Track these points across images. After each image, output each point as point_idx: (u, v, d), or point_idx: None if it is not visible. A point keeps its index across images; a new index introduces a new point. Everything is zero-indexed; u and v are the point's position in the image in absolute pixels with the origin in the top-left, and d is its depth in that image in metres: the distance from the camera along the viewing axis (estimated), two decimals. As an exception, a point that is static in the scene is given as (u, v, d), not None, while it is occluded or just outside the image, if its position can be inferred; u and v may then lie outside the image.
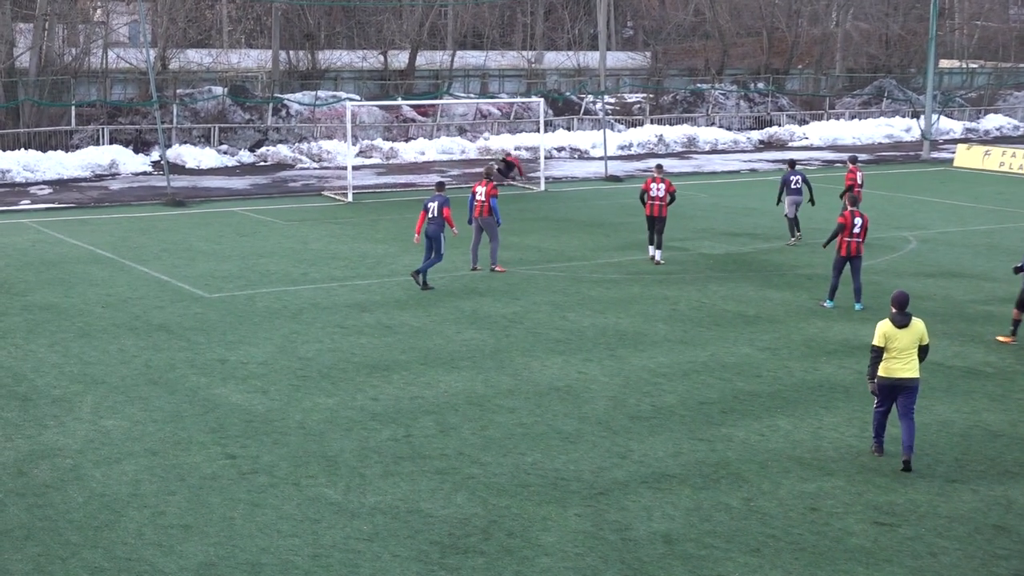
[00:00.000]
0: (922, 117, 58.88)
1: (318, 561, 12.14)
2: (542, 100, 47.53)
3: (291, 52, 62.51)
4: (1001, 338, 21.26)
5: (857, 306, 23.31)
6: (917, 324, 15.03)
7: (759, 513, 13.49)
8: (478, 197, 26.43)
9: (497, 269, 26.58)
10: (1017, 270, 21.18)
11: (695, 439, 15.90)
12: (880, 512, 13.59)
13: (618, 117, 60.54)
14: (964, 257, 29.57)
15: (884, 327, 14.97)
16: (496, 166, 37.69)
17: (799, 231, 31.01)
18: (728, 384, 18.45)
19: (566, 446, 15.55)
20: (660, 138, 56.97)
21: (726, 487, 14.24)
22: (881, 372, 14.99)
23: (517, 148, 51.85)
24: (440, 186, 26.12)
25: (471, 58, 70.68)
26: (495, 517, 13.23)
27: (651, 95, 66.12)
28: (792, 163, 32.23)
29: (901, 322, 14.92)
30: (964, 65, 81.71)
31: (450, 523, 13.07)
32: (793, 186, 30.61)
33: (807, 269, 27.56)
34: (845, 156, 37.14)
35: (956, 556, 12.49)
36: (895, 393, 15.00)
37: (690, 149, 56.61)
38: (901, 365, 14.90)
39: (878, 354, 14.95)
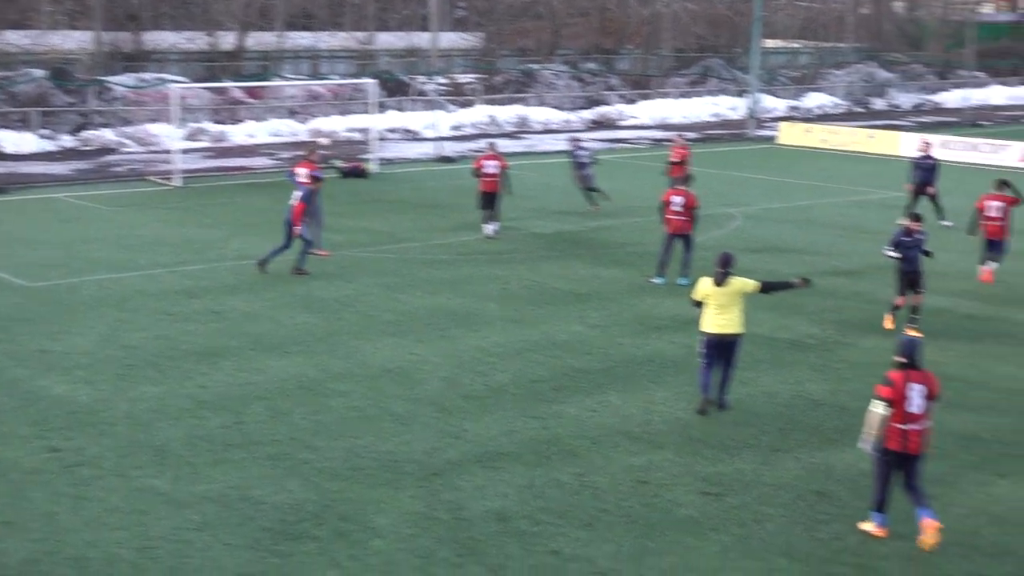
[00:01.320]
0: (747, 96, 60.20)
1: (146, 553, 11.91)
2: (374, 81, 47.25)
3: (115, 33, 60.92)
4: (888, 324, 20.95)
5: (682, 281, 23.70)
6: (735, 282, 15.92)
7: (591, 488, 13.67)
8: (301, 178, 25.88)
9: (320, 254, 26.02)
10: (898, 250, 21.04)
11: (527, 417, 16.03)
12: (708, 483, 13.89)
13: (450, 98, 60.52)
14: (787, 232, 30.35)
15: (703, 283, 15.99)
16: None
17: (599, 198, 32.87)
18: (560, 362, 18.64)
19: (399, 428, 15.54)
20: (492, 118, 57.15)
21: (558, 463, 14.40)
22: (705, 327, 15.94)
23: (348, 130, 51.50)
24: (314, 179, 25.82)
25: (301, 39, 69.80)
26: (328, 501, 13.16)
27: (483, 76, 66.25)
28: (576, 139, 34.05)
29: (720, 280, 15.84)
30: (787, 45, 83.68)
31: (282, 509, 12.95)
32: (580, 161, 32.65)
33: (637, 247, 27.97)
34: (673, 134, 37.71)
35: (780, 522, 12.84)
36: (717, 348, 15.93)
37: (522, 129, 56.91)
38: (723, 321, 15.86)
39: (695, 305, 16.13)
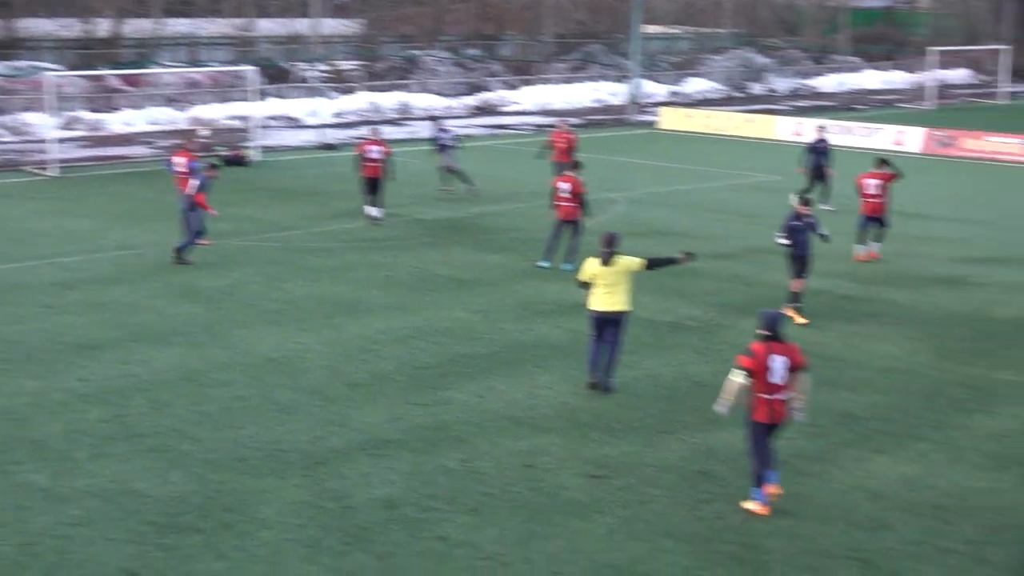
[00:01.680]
0: (629, 81, 60.67)
1: (26, 550, 11.68)
2: (254, 68, 46.71)
3: (-15, 20, 59.40)
4: (791, 314, 20.59)
5: (566, 266, 23.84)
6: (621, 261, 16.22)
7: (477, 473, 13.71)
8: (179, 167, 25.49)
9: (202, 243, 25.62)
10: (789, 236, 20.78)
11: (413, 404, 16.02)
12: (593, 465, 14.01)
13: (332, 85, 60.08)
14: (669, 216, 30.68)
15: (590, 264, 16.27)
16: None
17: (457, 182, 33.38)
18: (445, 348, 18.64)
19: (283, 417, 15.42)
20: (374, 105, 56.86)
21: (445, 449, 14.41)
22: (592, 305, 16.22)
23: (229, 117, 50.88)
24: (210, 167, 25.55)
25: (179, 26, 68.69)
26: (212, 493, 13.02)
27: (365, 62, 65.86)
28: (438, 122, 35.00)
29: (607, 259, 16.15)
30: (667, 30, 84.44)
31: (165, 502, 12.79)
32: (443, 143, 33.33)
33: (520, 233, 28.06)
34: (557, 120, 37.86)
35: (664, 503, 13.00)
36: (605, 325, 16.23)
37: (405, 116, 56.71)
38: (609, 299, 16.17)
39: (583, 287, 16.36)
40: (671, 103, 62.46)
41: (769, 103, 65.04)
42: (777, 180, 37.12)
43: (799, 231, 20.43)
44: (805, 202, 20.61)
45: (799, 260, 20.59)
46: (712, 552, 11.86)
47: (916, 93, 68.74)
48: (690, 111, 54.72)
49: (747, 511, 12.74)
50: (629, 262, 16.34)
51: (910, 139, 45.88)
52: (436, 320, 20.24)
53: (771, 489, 12.60)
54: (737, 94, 70.77)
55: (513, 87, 65.18)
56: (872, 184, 25.46)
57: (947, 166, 41.78)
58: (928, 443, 14.97)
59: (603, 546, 11.95)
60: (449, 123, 36.77)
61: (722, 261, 25.20)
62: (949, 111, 61.55)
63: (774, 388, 12.51)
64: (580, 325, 19.82)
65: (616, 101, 63.56)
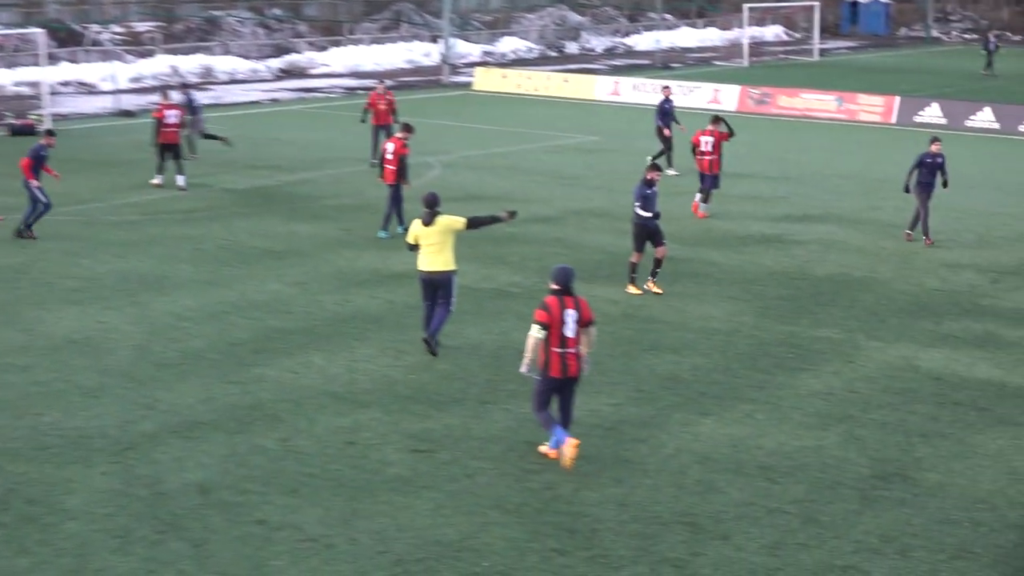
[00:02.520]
0: (441, 41, 60.56)
1: None
2: (42, 31, 45.18)
3: None
4: (652, 287, 20.51)
5: (381, 234, 23.75)
6: (443, 220, 16.57)
7: (296, 452, 13.56)
8: None
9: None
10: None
11: (227, 382, 15.75)
12: (417, 440, 13.98)
13: (128, 48, 58.53)
14: (486, 179, 30.75)
15: (414, 226, 16.63)
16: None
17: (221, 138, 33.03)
18: (259, 323, 18.38)
19: (88, 402, 15.00)
20: (175, 69, 55.60)
21: (261, 429, 14.21)
22: (419, 267, 16.65)
23: (16, 84, 49.23)
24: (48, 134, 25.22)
25: (-42, -14, 66.12)
26: (12, 485, 12.60)
27: (162, 24, 64.30)
28: (185, 85, 35.63)
29: (428, 220, 16.52)
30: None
31: (-39, 497, 12.33)
32: (194, 106, 32.85)
33: (333, 200, 27.81)
34: (370, 83, 37.58)
35: (491, 475, 13.05)
36: (433, 286, 16.67)
37: (207, 80, 55.60)
38: (433, 260, 16.55)
39: (411, 249, 16.73)
40: (485, 63, 62.56)
41: (585, 62, 65.65)
42: (596, 141, 37.55)
43: (651, 199, 19.89)
44: (655, 167, 20.11)
45: (648, 229, 20.02)
46: (542, 524, 11.95)
47: (731, 51, 70.25)
48: (506, 71, 54.91)
49: (545, 456, 13.38)
50: (450, 221, 16.63)
51: (726, 97, 46.85)
52: (249, 294, 19.92)
53: (570, 443, 13.01)
54: (552, 53, 71.26)
55: (322, 48, 64.46)
56: (704, 141, 26.19)
57: (763, 124, 42.78)
58: (753, 404, 15.33)
59: (430, 522, 11.94)
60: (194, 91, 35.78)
61: (543, 225, 25.37)
62: (764, 68, 63.11)
63: (567, 342, 13.04)
64: (398, 295, 19.78)
65: (429, 62, 63.41)
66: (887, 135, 40.63)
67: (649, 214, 19.94)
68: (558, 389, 13.25)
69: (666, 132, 31.85)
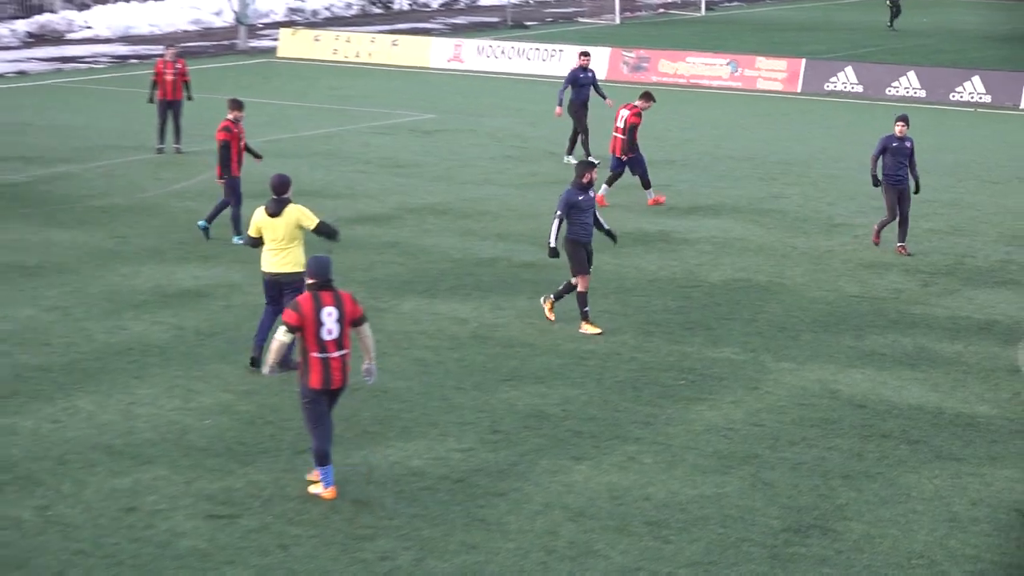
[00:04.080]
0: (235, -4, 60.18)
1: None
2: None
3: None
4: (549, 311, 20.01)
5: (200, 221, 24.35)
6: (291, 211, 16.68)
7: (60, 524, 13.32)
8: None
9: None
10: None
11: (-33, 437, 15.45)
12: (215, 503, 13.83)
13: None
14: (298, 170, 30.42)
15: (257, 216, 16.69)
16: None
17: None
18: (7, 359, 18.06)
19: None
20: None
21: (13, 496, 13.94)
22: (263, 267, 16.85)
23: None
24: None
25: None
26: None
27: None
28: None
29: (274, 210, 16.62)
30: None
31: None
32: None
33: (103, 199, 27.42)
34: (145, 50, 37.15)
35: (312, 545, 12.94)
36: (279, 289, 16.81)
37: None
38: (280, 258, 16.71)
39: (253, 244, 17.06)
40: (292, 23, 62.28)
41: (418, 21, 65.74)
42: (433, 119, 37.61)
43: (584, 209, 19.15)
44: (590, 165, 19.36)
45: (583, 248, 19.34)
46: (377, 604, 11.91)
47: (600, 5, 70.91)
48: (319, 33, 54.69)
49: (316, 496, 13.68)
50: (301, 214, 16.78)
51: (595, 63, 47.13)
52: (-7, 322, 19.61)
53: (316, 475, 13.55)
54: (377, 10, 71.21)
55: (82, 6, 63.55)
56: (621, 116, 26.80)
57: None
58: (638, 444, 15.45)
59: (235, 608, 11.82)
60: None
61: (371, 225, 25.31)
62: (640, 26, 63.89)
63: (327, 346, 13.38)
64: (188, 319, 19.60)
65: (220, 23, 62.93)
66: (792, 107, 41.47)
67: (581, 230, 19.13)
68: (328, 404, 13.66)
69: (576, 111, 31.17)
